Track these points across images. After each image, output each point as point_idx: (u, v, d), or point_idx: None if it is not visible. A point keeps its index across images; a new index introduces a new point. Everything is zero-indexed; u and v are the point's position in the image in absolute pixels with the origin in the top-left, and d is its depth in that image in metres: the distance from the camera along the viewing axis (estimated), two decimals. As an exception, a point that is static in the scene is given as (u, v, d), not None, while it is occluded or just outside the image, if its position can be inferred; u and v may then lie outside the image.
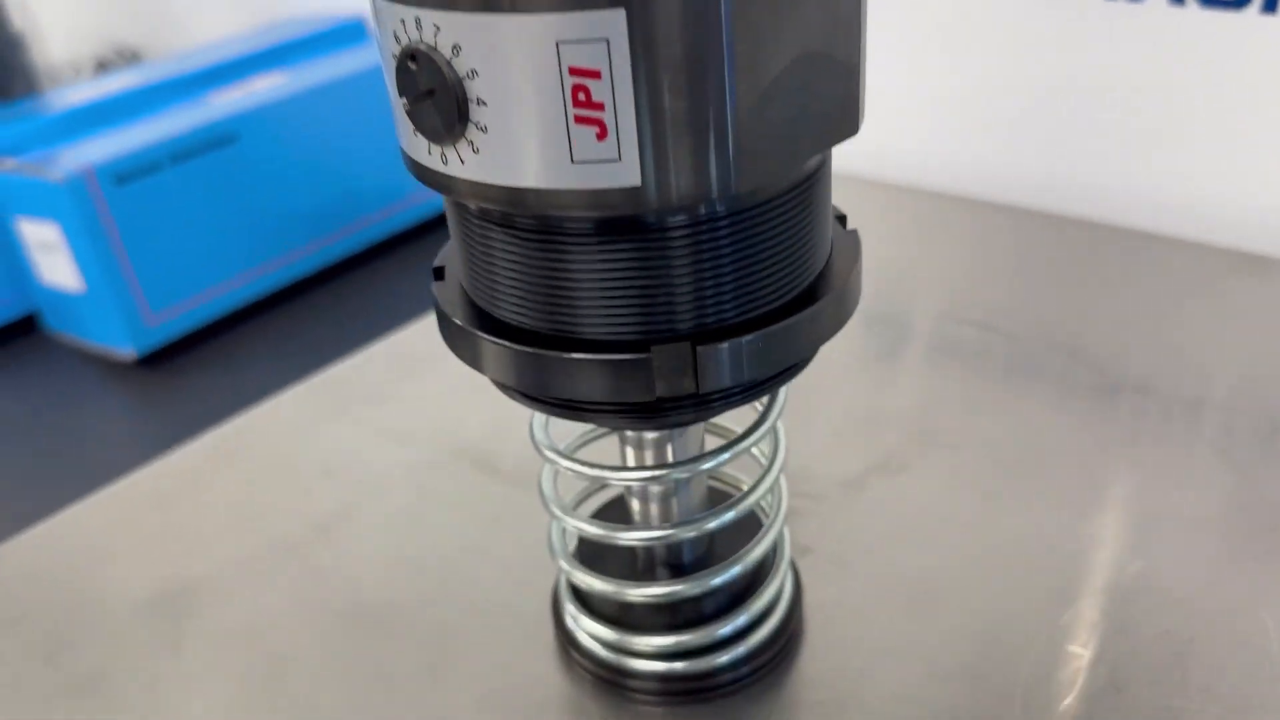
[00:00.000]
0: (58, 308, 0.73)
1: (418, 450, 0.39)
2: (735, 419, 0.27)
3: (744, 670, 0.28)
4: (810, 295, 0.23)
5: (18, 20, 0.93)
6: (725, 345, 0.21)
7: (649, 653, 0.28)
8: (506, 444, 0.38)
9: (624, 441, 0.26)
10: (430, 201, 0.88)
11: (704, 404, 0.22)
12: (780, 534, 0.28)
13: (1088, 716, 0.26)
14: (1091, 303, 0.44)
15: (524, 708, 0.28)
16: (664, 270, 0.21)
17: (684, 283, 0.21)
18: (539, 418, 0.28)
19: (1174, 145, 0.49)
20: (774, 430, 0.28)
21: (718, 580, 0.27)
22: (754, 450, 0.29)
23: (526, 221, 0.21)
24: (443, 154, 0.20)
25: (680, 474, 0.25)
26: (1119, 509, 0.33)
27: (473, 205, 0.22)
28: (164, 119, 0.75)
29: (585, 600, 0.29)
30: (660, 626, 0.28)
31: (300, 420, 0.42)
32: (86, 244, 0.68)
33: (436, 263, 0.25)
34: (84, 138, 0.72)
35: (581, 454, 0.28)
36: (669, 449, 0.26)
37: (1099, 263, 0.46)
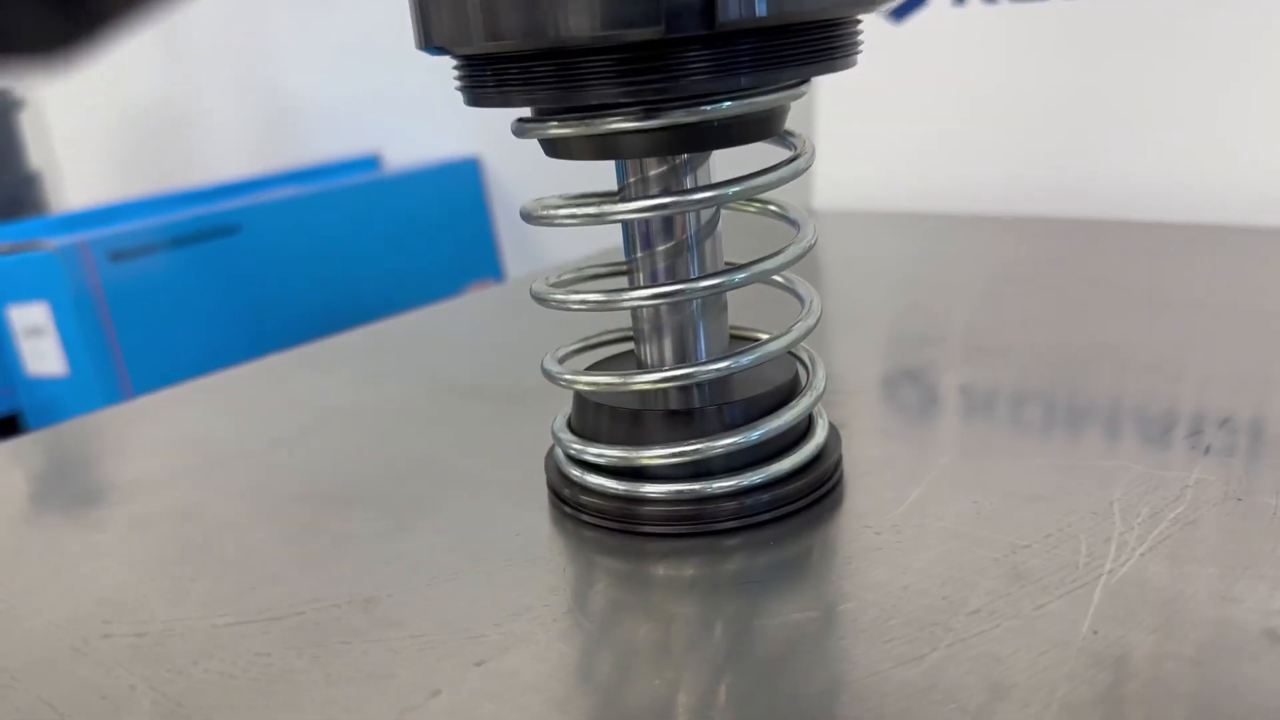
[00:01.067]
0: (41, 403, 0.70)
1: (399, 385, 0.35)
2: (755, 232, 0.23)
3: (766, 499, 0.23)
4: None
5: (35, 158, 0.95)
6: None
7: (661, 469, 0.23)
8: (498, 377, 0.34)
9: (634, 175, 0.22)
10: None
11: (724, 52, 0.19)
12: (807, 336, 0.23)
13: (1199, 522, 0.21)
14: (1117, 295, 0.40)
15: (516, 551, 0.23)
16: None
17: None
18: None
19: (1161, 132, 0.47)
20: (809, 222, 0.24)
21: (733, 363, 0.22)
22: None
23: None
24: None
25: (701, 198, 0.21)
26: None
27: None
28: (171, 214, 0.74)
29: (589, 430, 0.24)
30: (676, 438, 0.23)
31: (267, 375, 0.38)
32: (74, 321, 0.65)
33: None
34: (86, 229, 0.71)
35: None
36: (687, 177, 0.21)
37: (1105, 256, 0.43)
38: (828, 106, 0.58)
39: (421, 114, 0.93)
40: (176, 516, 0.28)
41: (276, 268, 0.76)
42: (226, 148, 1.06)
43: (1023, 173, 0.53)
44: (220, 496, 0.29)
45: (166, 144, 1.13)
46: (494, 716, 0.19)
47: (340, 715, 0.19)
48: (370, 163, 0.95)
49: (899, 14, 0.54)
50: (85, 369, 0.67)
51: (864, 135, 0.57)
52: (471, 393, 0.35)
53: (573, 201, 0.24)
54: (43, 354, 0.68)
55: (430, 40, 0.22)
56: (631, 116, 0.22)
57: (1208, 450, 0.25)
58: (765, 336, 0.25)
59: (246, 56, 1.05)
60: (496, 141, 0.88)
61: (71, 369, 0.67)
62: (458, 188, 0.87)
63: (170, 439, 0.34)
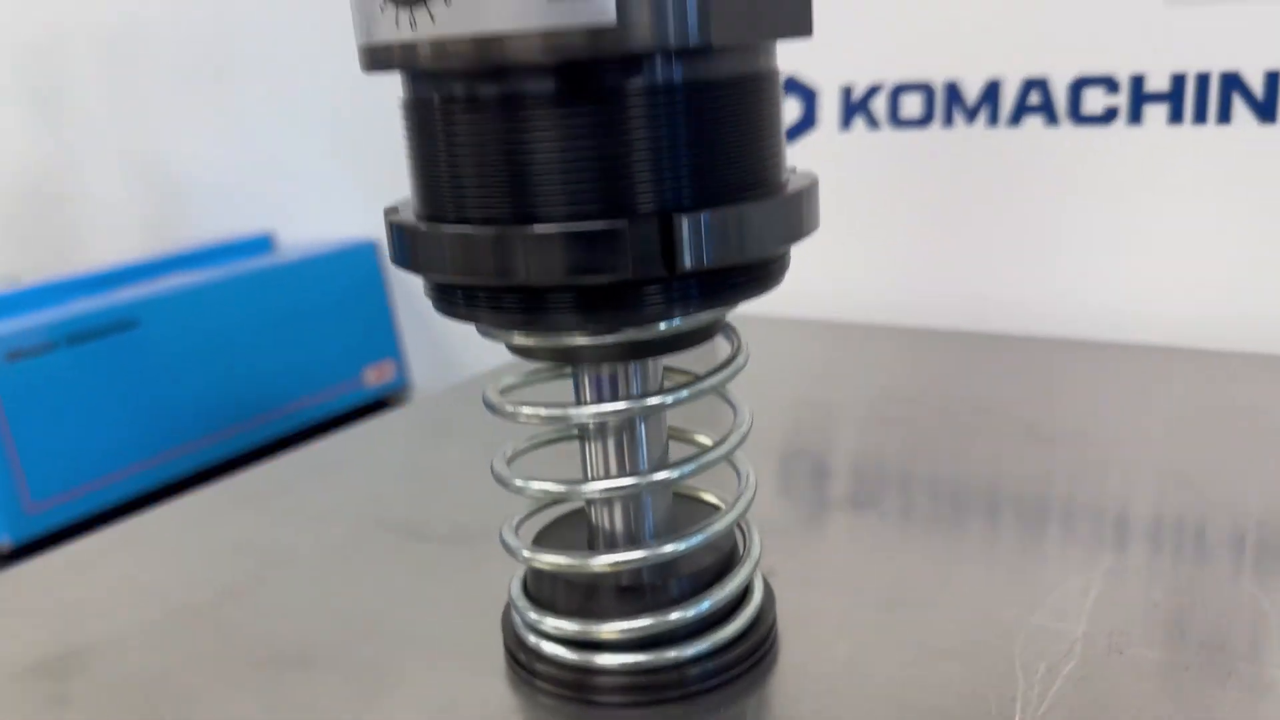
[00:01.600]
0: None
1: (337, 525, 0.36)
2: (693, 418, 0.26)
3: (711, 667, 0.26)
4: (772, 191, 0.23)
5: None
6: (702, 214, 0.21)
7: (615, 642, 0.25)
8: (433, 512, 0.36)
9: (585, 383, 0.24)
10: (324, 405, 0.87)
11: (679, 288, 0.21)
12: (747, 512, 0.26)
13: (1089, 678, 0.24)
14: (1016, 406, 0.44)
15: None
16: (635, 137, 0.20)
17: (654, 152, 0.20)
18: (493, 384, 0.26)
19: (1059, 251, 0.52)
20: (736, 404, 0.26)
21: (684, 545, 0.24)
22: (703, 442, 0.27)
23: (493, 90, 0.20)
24: (412, 18, 0.20)
25: (651, 404, 0.23)
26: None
27: (436, 95, 0.21)
28: (64, 306, 0.73)
29: (545, 599, 0.26)
30: (629, 611, 0.25)
31: (200, 514, 0.39)
32: (-32, 423, 0.64)
33: (386, 208, 0.25)
34: (-25, 324, 0.70)
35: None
36: (629, 388, 0.24)
37: (1001, 372, 0.47)
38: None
39: (316, 193, 0.94)
40: (145, 686, 0.29)
41: (177, 361, 0.76)
42: (109, 224, 1.04)
43: (907, 285, 0.57)
44: (183, 661, 0.30)
45: (43, 220, 1.10)
46: None
47: None
48: (263, 243, 0.94)
49: (791, 135, 0.58)
50: (-21, 474, 0.65)
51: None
52: (412, 532, 0.36)
53: (535, 403, 0.26)
54: (-69, 457, 0.66)
55: (406, 265, 0.24)
56: (590, 333, 0.24)
57: (1093, 599, 0.29)
58: (703, 440, 0.27)
59: (130, 128, 1.03)
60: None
61: (-37, 471, 0.65)
62: (355, 271, 0.88)
63: (116, 591, 0.35)
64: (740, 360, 0.26)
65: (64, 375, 0.68)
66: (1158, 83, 0.49)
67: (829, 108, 0.57)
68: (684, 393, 0.25)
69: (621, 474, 0.26)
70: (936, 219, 0.56)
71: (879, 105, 0.56)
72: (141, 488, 0.73)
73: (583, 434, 0.27)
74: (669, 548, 0.25)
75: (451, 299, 0.24)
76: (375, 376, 0.90)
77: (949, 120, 0.54)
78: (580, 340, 0.24)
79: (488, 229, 0.22)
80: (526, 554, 0.27)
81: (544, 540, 0.28)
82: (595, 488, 0.26)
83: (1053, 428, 0.42)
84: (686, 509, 0.28)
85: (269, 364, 0.82)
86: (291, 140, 0.95)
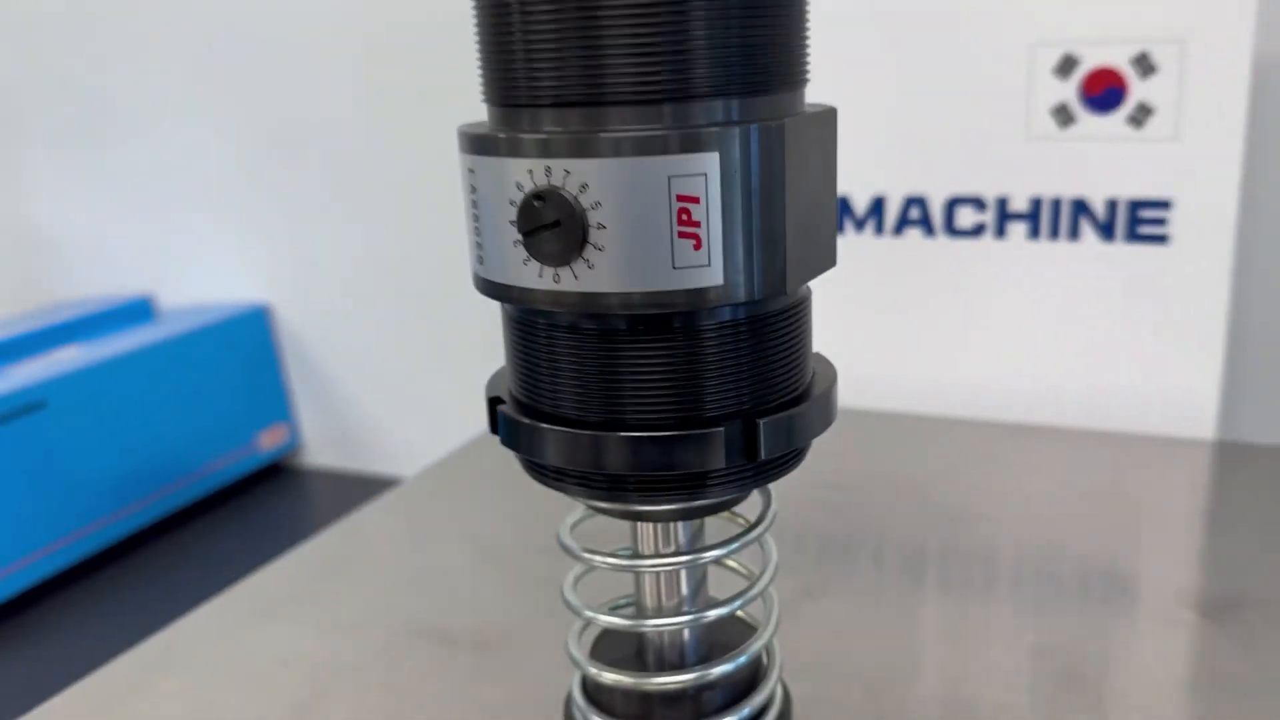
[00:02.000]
0: None
1: (372, 634, 0.39)
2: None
3: None
4: (809, 391, 0.29)
5: None
6: (777, 417, 0.27)
7: None
8: (455, 617, 0.40)
9: (645, 534, 0.30)
10: (222, 472, 0.88)
11: (761, 472, 0.27)
12: (773, 636, 0.32)
13: None
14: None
15: None
16: (724, 361, 0.26)
17: (741, 370, 0.26)
18: (565, 526, 0.31)
19: (933, 340, 0.61)
20: (767, 543, 0.32)
21: (731, 666, 0.30)
22: (737, 565, 0.33)
23: (594, 325, 0.25)
24: (555, 274, 0.25)
25: (710, 556, 0.29)
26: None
27: (542, 320, 0.26)
28: (-38, 390, 0.72)
29: (604, 703, 0.31)
30: (678, 717, 0.31)
31: (228, 627, 0.41)
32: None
33: (489, 394, 0.29)
34: None
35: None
36: (684, 537, 0.29)
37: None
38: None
39: (194, 253, 0.94)
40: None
41: (84, 439, 0.75)
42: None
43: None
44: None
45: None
46: None
47: None
48: (143, 305, 0.94)
49: None
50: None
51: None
52: (444, 639, 0.40)
53: (606, 552, 0.31)
54: None
55: (513, 447, 0.29)
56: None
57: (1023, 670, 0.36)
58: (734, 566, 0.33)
59: (2, 189, 1.00)
60: (285, 287, 0.90)
61: None
62: (248, 337, 0.89)
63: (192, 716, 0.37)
64: (772, 513, 0.32)
65: (-26, 462, 0.68)
66: (1019, 204, 0.58)
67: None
68: (735, 545, 0.31)
69: (671, 607, 0.32)
70: (831, 312, 0.63)
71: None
72: (56, 567, 0.73)
73: (636, 573, 0.32)
74: (716, 671, 0.31)
75: (542, 473, 0.29)
76: (269, 441, 0.91)
77: (840, 228, 0.62)
78: (644, 507, 0.29)
79: (586, 432, 0.27)
80: (593, 670, 0.32)
81: (600, 647, 0.34)
82: (650, 623, 0.31)
83: (940, 500, 0.50)
84: (722, 625, 0.34)
85: (169, 435, 0.82)
86: (167, 200, 0.95)
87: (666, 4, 0.24)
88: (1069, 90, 0.56)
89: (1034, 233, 0.58)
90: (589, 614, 0.32)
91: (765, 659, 0.33)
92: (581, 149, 0.24)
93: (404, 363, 0.87)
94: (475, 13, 0.27)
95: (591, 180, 0.24)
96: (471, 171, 0.27)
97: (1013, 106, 0.57)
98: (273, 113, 0.84)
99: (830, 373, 0.31)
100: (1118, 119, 0.56)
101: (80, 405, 0.74)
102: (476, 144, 0.27)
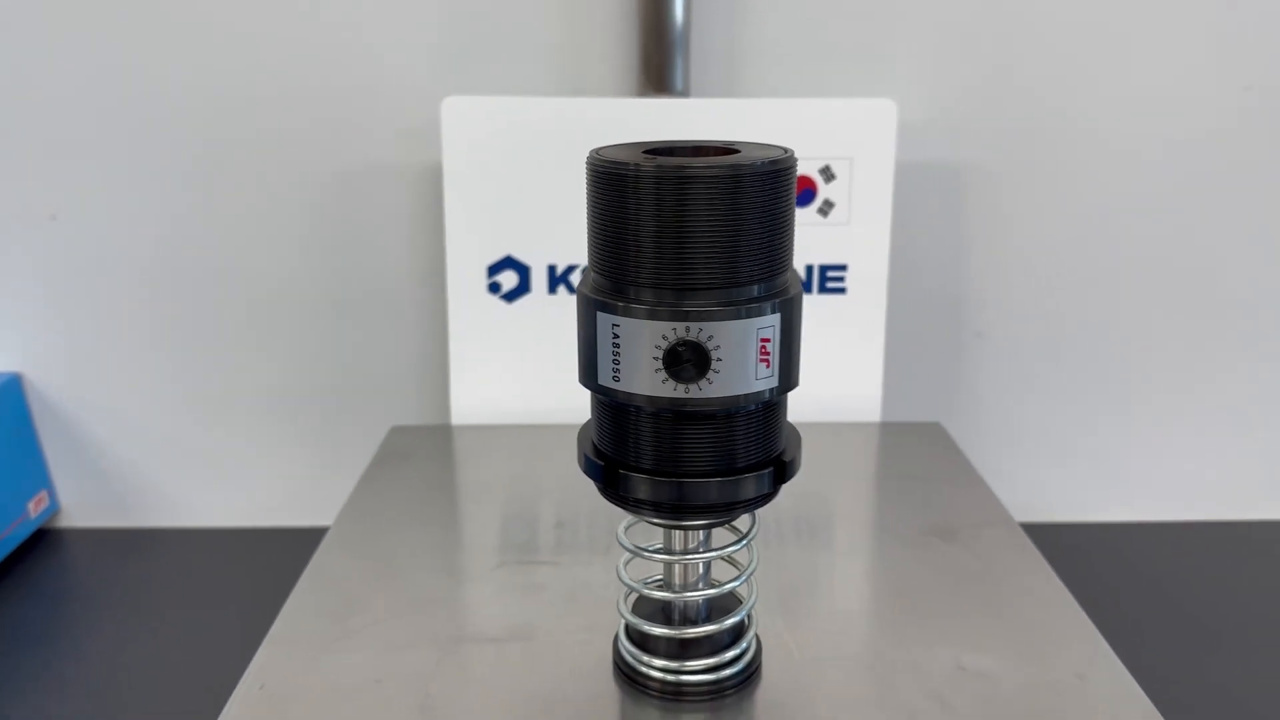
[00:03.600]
0: None
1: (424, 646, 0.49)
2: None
3: (731, 681, 0.48)
4: (791, 448, 0.46)
5: None
6: (791, 459, 0.43)
7: (671, 669, 0.46)
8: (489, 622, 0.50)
9: (678, 536, 0.45)
10: (8, 539, 0.87)
11: (771, 495, 0.44)
12: (752, 606, 0.49)
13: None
14: None
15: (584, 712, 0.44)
16: (777, 426, 0.42)
17: (779, 433, 0.43)
18: (621, 527, 0.46)
19: None
20: (753, 546, 0.49)
21: (729, 622, 0.46)
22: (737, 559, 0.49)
23: (670, 411, 0.41)
24: (685, 387, 0.40)
25: (722, 553, 0.45)
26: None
27: (666, 412, 0.41)
28: None
29: (639, 641, 0.46)
30: (678, 657, 0.46)
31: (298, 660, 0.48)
32: None
33: (599, 463, 0.43)
34: None
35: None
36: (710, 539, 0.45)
37: None
38: (461, 352, 0.80)
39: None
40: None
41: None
42: None
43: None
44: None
45: None
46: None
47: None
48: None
49: (509, 298, 0.79)
50: None
51: (491, 373, 0.81)
52: (484, 639, 0.52)
53: (652, 548, 0.46)
54: None
55: (609, 484, 0.43)
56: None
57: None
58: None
59: None
60: (38, 356, 0.90)
61: None
62: (6, 407, 0.88)
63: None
64: (757, 526, 0.49)
65: None
66: (749, 269, 0.79)
67: (539, 279, 0.79)
68: (736, 546, 0.47)
69: (692, 584, 0.48)
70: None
71: (573, 277, 0.79)
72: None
73: (669, 572, 0.48)
74: (728, 623, 0.48)
75: (624, 501, 0.44)
76: (35, 508, 0.91)
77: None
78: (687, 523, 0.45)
79: (670, 482, 0.42)
80: (631, 619, 0.47)
81: (639, 607, 0.49)
82: (680, 595, 0.47)
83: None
84: (720, 599, 0.50)
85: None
86: None
87: (759, 241, 0.40)
88: None
89: (760, 289, 0.80)
90: (641, 590, 0.47)
91: (747, 620, 0.51)
92: (710, 316, 0.40)
93: (159, 416, 0.91)
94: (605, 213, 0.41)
95: (714, 332, 0.40)
96: (618, 325, 0.41)
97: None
98: None
99: (796, 435, 0.48)
100: (811, 210, 0.78)
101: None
102: (616, 307, 0.41)
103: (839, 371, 0.81)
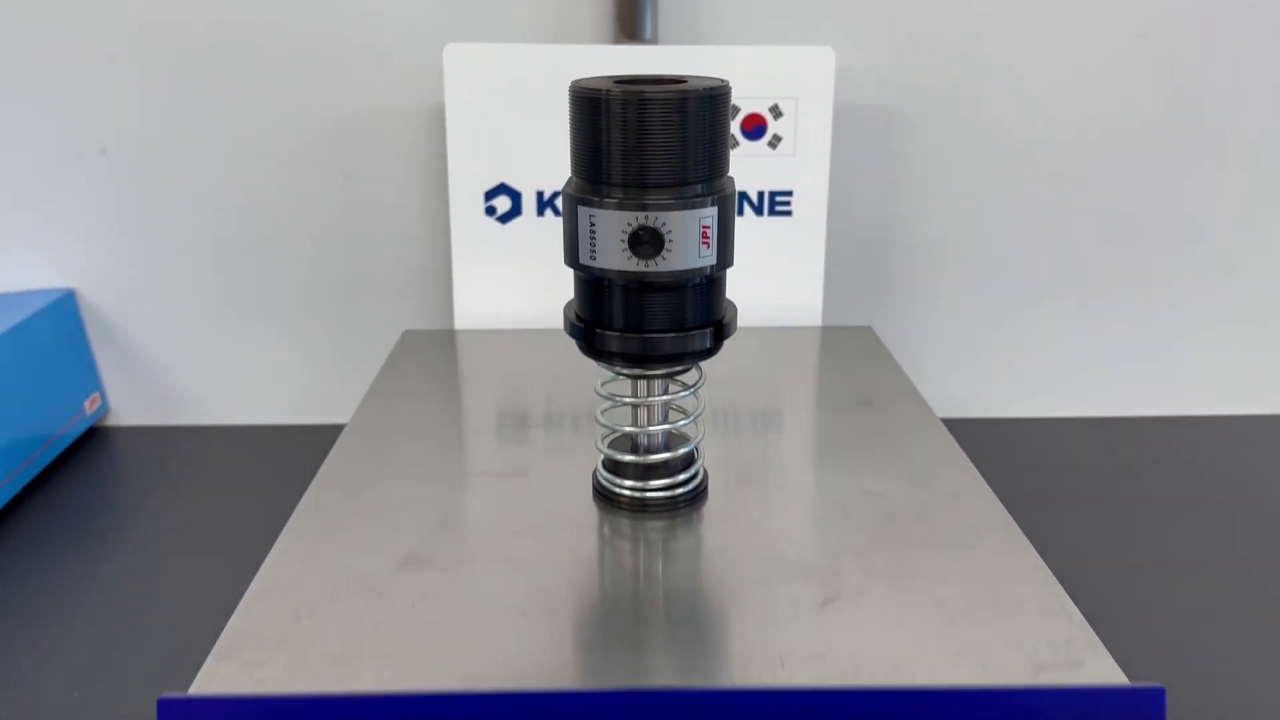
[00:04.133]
0: None
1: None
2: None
3: (685, 497, 0.61)
4: (729, 315, 0.58)
5: None
6: (728, 321, 0.56)
7: (638, 488, 0.59)
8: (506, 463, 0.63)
9: (644, 386, 0.58)
10: (71, 432, 0.99)
11: (709, 354, 0.57)
12: (699, 442, 0.62)
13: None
14: None
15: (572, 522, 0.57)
16: (718, 296, 0.56)
17: (719, 302, 0.56)
18: (599, 382, 0.59)
19: None
20: (700, 394, 0.61)
21: (682, 451, 0.60)
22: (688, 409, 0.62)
23: (637, 283, 0.53)
24: (645, 263, 0.52)
25: (678, 397, 0.58)
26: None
27: (629, 282, 0.53)
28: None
29: (612, 469, 0.60)
30: (655, 476, 0.59)
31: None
32: None
33: (580, 325, 0.55)
34: None
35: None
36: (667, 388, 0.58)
37: None
38: (463, 266, 0.93)
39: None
40: None
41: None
42: None
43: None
44: None
45: None
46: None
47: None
48: (-68, 298, 1.00)
49: (503, 220, 0.92)
50: None
51: (489, 284, 0.93)
52: (510, 472, 0.65)
53: (625, 396, 0.60)
54: None
55: (586, 340, 0.56)
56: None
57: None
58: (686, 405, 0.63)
59: None
60: (89, 274, 1.02)
61: None
62: (63, 319, 1.01)
63: None
64: (704, 377, 0.62)
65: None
66: (708, 194, 0.92)
67: (529, 203, 0.91)
68: (688, 393, 0.61)
69: (655, 422, 0.61)
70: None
71: (558, 202, 0.91)
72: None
73: (635, 412, 0.61)
74: (680, 452, 0.61)
75: (600, 355, 0.57)
76: (89, 406, 1.04)
77: (599, 211, 0.91)
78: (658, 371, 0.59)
79: (635, 336, 0.55)
80: (607, 451, 0.60)
81: (613, 445, 0.62)
82: (644, 429, 0.61)
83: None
84: (672, 433, 0.63)
85: (39, 401, 0.94)
86: None
87: (701, 148, 0.52)
88: (735, 127, 0.90)
89: (718, 211, 0.92)
90: (617, 428, 0.60)
91: (696, 452, 0.64)
92: (664, 208, 0.53)
93: (197, 325, 1.03)
94: (581, 127, 0.53)
95: (667, 220, 0.53)
96: (593, 215, 0.54)
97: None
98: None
99: (734, 307, 0.61)
100: (762, 144, 0.91)
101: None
102: (592, 201, 0.53)
103: (786, 283, 0.94)
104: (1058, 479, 0.93)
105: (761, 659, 0.45)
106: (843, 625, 0.48)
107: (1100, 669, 0.44)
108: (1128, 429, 1.03)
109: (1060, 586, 0.52)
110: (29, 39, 0.92)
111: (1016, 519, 0.59)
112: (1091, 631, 0.47)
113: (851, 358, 0.88)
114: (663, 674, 0.45)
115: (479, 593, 0.52)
